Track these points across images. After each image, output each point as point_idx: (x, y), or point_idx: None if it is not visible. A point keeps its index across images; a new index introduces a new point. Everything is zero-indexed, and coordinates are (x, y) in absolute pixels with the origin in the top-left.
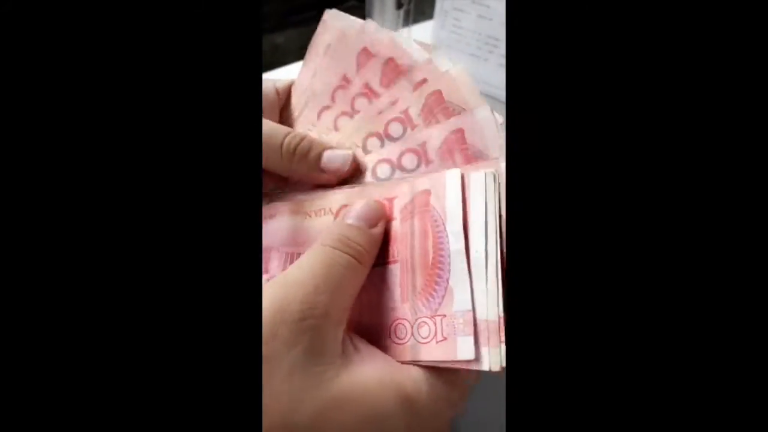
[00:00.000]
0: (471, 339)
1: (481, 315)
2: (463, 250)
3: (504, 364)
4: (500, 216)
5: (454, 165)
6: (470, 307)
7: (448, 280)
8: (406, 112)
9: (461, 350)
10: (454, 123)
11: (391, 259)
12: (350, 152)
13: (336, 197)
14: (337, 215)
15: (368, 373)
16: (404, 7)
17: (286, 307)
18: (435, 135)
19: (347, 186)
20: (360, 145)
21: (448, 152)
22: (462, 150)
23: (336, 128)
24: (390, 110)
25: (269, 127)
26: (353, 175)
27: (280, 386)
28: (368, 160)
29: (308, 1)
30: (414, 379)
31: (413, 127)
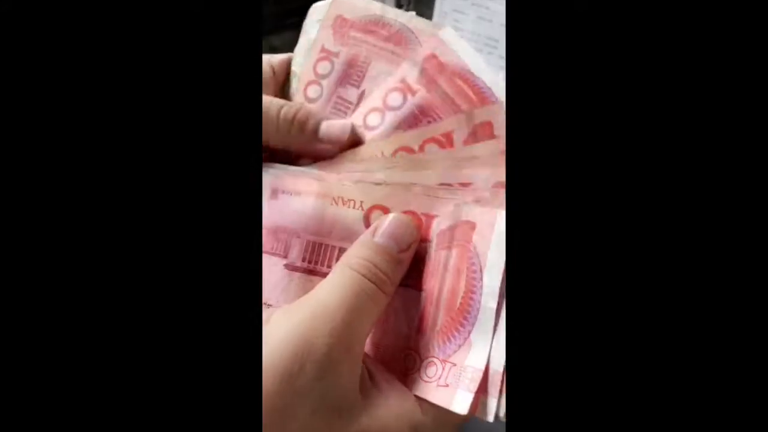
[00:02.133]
0: (470, 396)
1: (493, 367)
2: (494, 309)
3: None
4: None
5: (438, 89)
6: (483, 367)
7: (470, 333)
8: (404, 80)
9: (457, 402)
10: (422, 52)
11: (418, 284)
12: (349, 122)
13: (370, 192)
14: (367, 217)
15: (385, 410)
16: (404, 8)
17: (315, 340)
18: (409, 68)
19: (381, 176)
20: (361, 123)
21: (430, 80)
22: (442, 71)
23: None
24: (387, 81)
25: (264, 100)
26: (354, 145)
27: (303, 423)
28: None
29: (305, 4)
30: (427, 413)
31: (414, 93)
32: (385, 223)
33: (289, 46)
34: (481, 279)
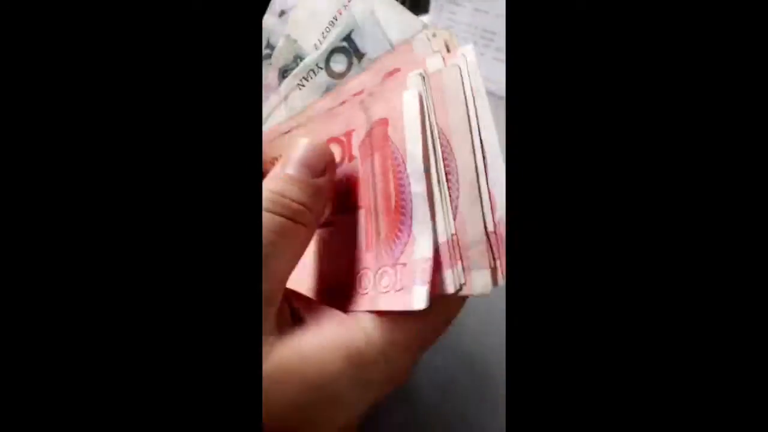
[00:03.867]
0: (425, 289)
1: (441, 239)
2: (425, 194)
3: (462, 282)
4: (435, 125)
5: (373, 163)
6: (430, 256)
7: (411, 227)
8: (348, 134)
9: (416, 300)
10: (378, 110)
11: (356, 204)
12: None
13: (285, 145)
14: None
15: (308, 340)
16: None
17: None
18: (361, 125)
19: (297, 116)
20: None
21: (366, 152)
22: (384, 146)
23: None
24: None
25: None
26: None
27: None
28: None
29: None
30: (366, 332)
31: (351, 160)
32: (294, 152)
33: None
34: (406, 170)
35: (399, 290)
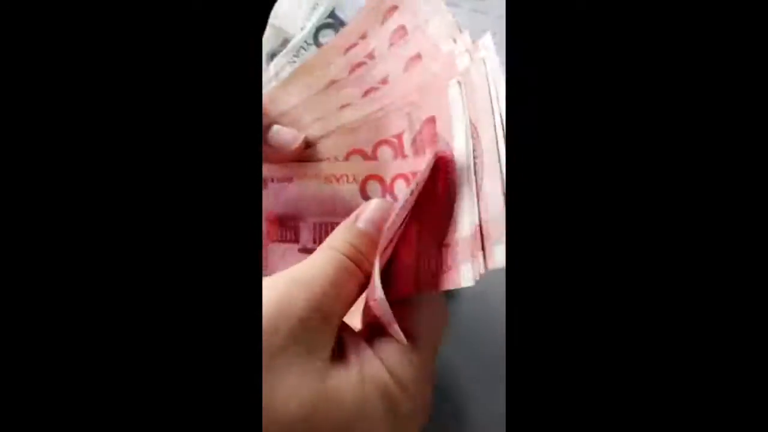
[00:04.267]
0: (469, 266)
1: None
2: (468, 182)
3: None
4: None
5: (427, 158)
6: (473, 232)
7: (456, 206)
8: (400, 137)
9: (464, 279)
10: (426, 110)
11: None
12: (302, 135)
13: (360, 165)
14: (363, 188)
15: (349, 377)
16: None
17: (291, 304)
18: (407, 125)
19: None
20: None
21: (420, 146)
22: (432, 143)
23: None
24: (357, 49)
25: None
26: (302, 158)
27: (276, 379)
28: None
29: None
30: (393, 373)
31: (404, 158)
32: (367, 209)
33: None
34: (452, 149)
35: (445, 271)
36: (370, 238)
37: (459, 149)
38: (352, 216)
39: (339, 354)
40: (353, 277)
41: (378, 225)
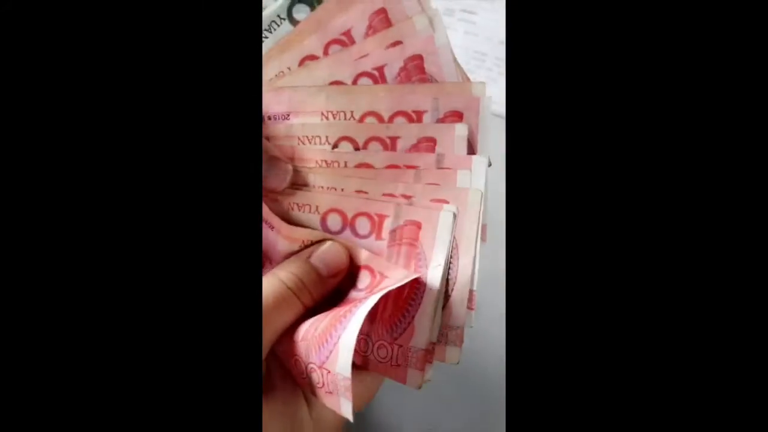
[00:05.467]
0: (422, 374)
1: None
2: (436, 294)
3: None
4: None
5: (398, 254)
6: (425, 347)
7: (414, 318)
8: (380, 69)
9: (411, 380)
10: (410, 48)
11: (374, 273)
12: (290, 167)
13: (324, 197)
14: (323, 219)
15: (273, 404)
16: None
17: None
18: (394, 58)
19: (332, 184)
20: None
21: (398, 243)
22: (421, 78)
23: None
24: (362, 63)
25: None
26: (289, 191)
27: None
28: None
29: None
30: (312, 410)
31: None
32: (321, 248)
33: None
34: (427, 268)
35: (395, 365)
36: (318, 275)
37: (433, 275)
38: (306, 251)
39: (265, 381)
40: (287, 305)
41: (328, 265)
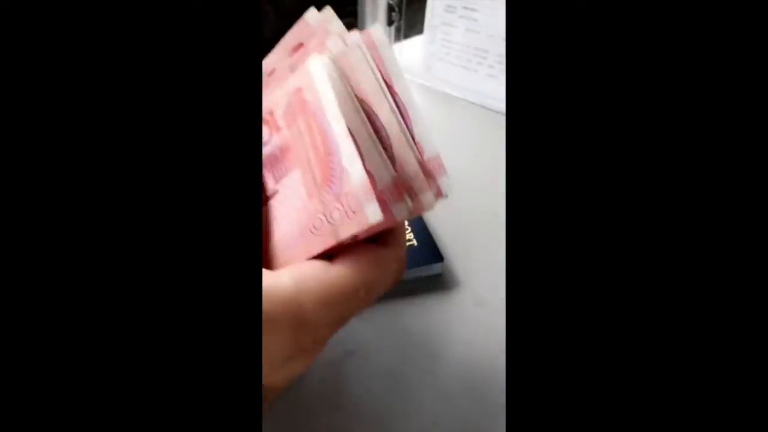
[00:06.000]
0: (375, 203)
1: (380, 181)
2: (346, 130)
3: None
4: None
5: (299, 126)
6: (365, 176)
7: (341, 162)
8: (272, 113)
9: (370, 216)
10: (294, 82)
11: (292, 165)
12: None
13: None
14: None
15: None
16: (395, 24)
17: None
18: (280, 100)
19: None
20: None
21: (292, 119)
22: (303, 111)
23: None
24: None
25: None
26: None
27: None
28: None
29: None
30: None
31: (278, 131)
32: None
33: None
34: (327, 117)
35: (353, 214)
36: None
37: (328, 106)
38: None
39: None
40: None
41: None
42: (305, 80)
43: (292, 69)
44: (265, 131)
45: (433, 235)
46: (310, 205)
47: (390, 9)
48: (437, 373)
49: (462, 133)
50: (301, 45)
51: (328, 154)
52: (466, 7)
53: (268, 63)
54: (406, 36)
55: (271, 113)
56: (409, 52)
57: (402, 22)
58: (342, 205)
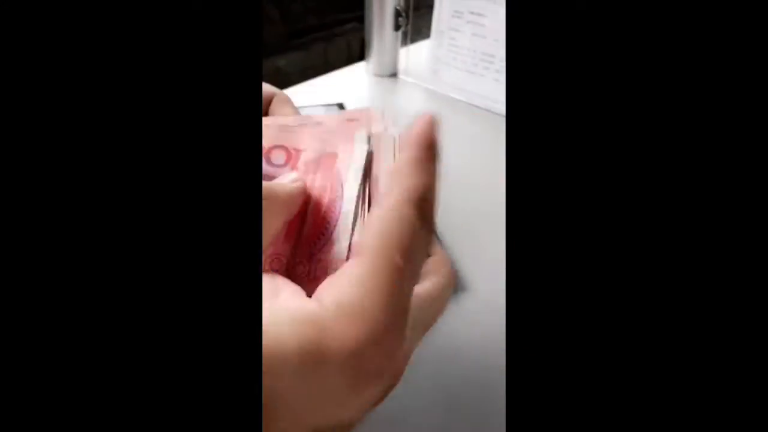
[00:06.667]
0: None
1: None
2: (351, 214)
3: None
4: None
5: (314, 178)
6: (344, 257)
7: (332, 233)
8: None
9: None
10: (332, 148)
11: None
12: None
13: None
14: (267, 154)
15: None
16: (402, 29)
17: None
18: (314, 148)
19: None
20: None
21: (315, 165)
22: (327, 169)
23: None
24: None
25: None
26: None
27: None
28: None
29: (310, 25)
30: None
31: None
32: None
33: (294, 67)
34: (343, 192)
35: (312, 280)
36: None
37: (350, 184)
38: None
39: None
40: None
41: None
42: (345, 151)
43: (342, 135)
44: (284, 156)
45: (437, 237)
46: (280, 244)
47: (397, 14)
48: (437, 373)
49: (468, 137)
50: (356, 119)
51: (326, 220)
52: (472, 12)
53: (322, 117)
54: (413, 41)
55: (296, 151)
56: (416, 56)
57: (409, 26)
58: (310, 266)
